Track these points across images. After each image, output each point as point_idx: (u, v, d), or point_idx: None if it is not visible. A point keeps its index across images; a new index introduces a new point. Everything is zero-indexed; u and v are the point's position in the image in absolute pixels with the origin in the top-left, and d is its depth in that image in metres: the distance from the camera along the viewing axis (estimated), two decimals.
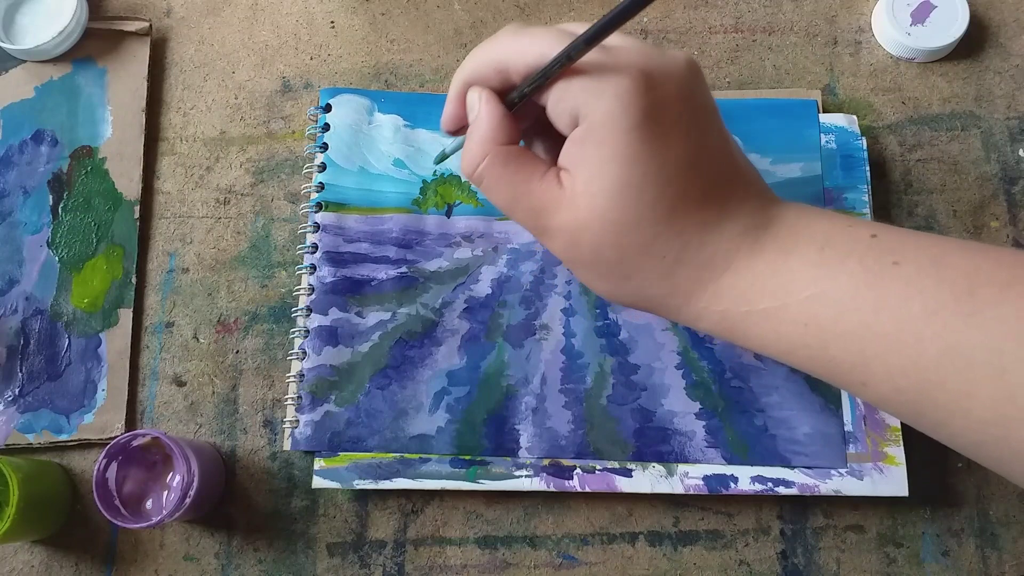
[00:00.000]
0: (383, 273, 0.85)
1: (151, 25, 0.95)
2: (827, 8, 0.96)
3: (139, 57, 0.94)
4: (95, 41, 0.95)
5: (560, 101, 0.58)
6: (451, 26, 0.96)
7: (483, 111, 0.62)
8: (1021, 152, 0.90)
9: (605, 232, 0.59)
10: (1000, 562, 0.81)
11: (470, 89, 0.63)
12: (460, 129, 0.67)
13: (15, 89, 0.94)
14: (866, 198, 0.86)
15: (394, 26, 0.96)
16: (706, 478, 0.79)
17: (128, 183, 0.91)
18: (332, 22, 0.97)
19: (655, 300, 0.63)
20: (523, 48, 0.60)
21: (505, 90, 0.62)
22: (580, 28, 0.56)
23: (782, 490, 0.79)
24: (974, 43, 0.94)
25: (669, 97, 0.58)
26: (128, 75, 0.94)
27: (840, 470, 0.79)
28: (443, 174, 0.88)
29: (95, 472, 0.74)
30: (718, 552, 0.82)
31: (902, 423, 0.80)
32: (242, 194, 0.91)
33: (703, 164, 0.60)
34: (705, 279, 0.61)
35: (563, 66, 0.56)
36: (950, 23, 0.91)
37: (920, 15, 0.92)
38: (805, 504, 0.82)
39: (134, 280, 0.88)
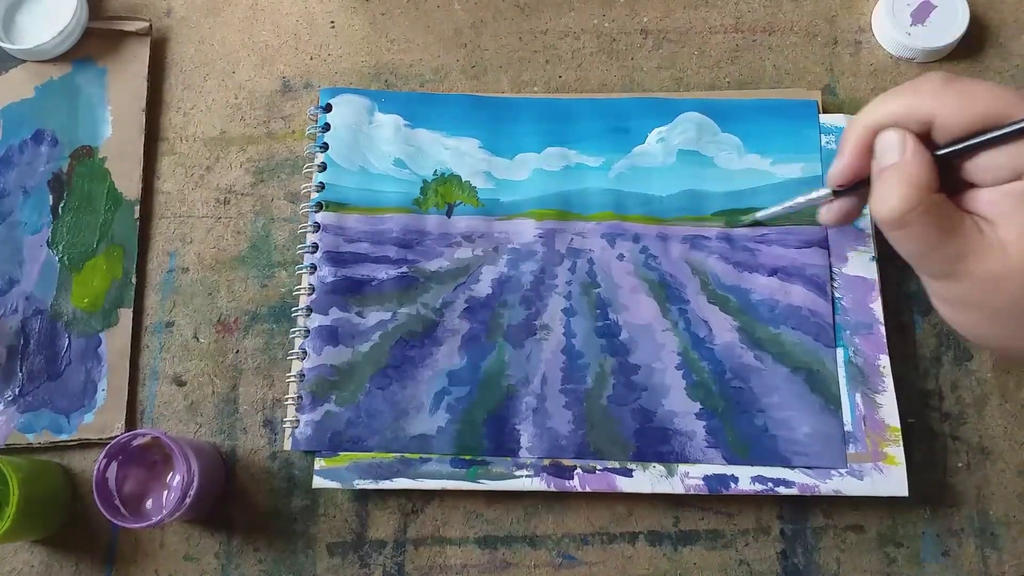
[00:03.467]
0: (383, 273, 0.85)
1: (151, 25, 0.95)
2: (827, 8, 0.96)
3: (139, 57, 0.94)
4: (95, 41, 0.95)
5: (998, 156, 0.60)
6: (451, 26, 0.96)
7: (917, 152, 0.62)
8: None
9: None
10: (1000, 562, 0.81)
11: (891, 129, 0.63)
12: (847, 184, 0.69)
13: (15, 89, 0.94)
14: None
15: (394, 26, 0.96)
16: (706, 478, 0.79)
17: (128, 183, 0.91)
18: (332, 22, 0.97)
19: None
20: (960, 106, 0.61)
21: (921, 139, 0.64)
22: (1003, 87, 0.60)
23: (782, 490, 0.79)
24: (974, 43, 0.94)
25: None
26: (128, 75, 0.94)
27: (840, 470, 0.79)
28: (443, 174, 0.88)
29: (95, 472, 0.74)
30: (718, 552, 0.82)
31: (902, 423, 0.80)
32: (242, 194, 0.91)
33: None
34: None
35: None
36: (950, 23, 0.91)
37: (920, 15, 0.92)
38: (805, 504, 0.82)
39: (134, 280, 0.88)
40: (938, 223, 0.61)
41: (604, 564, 0.82)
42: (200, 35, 0.97)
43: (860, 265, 0.84)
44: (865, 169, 0.66)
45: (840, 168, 0.68)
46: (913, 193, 0.60)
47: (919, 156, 0.61)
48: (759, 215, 0.84)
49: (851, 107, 0.91)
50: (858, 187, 0.69)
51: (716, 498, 0.82)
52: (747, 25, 0.96)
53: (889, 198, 0.61)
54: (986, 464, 0.83)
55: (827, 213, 0.74)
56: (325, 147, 0.88)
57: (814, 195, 0.75)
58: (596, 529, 0.82)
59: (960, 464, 0.83)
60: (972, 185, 0.63)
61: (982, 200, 0.62)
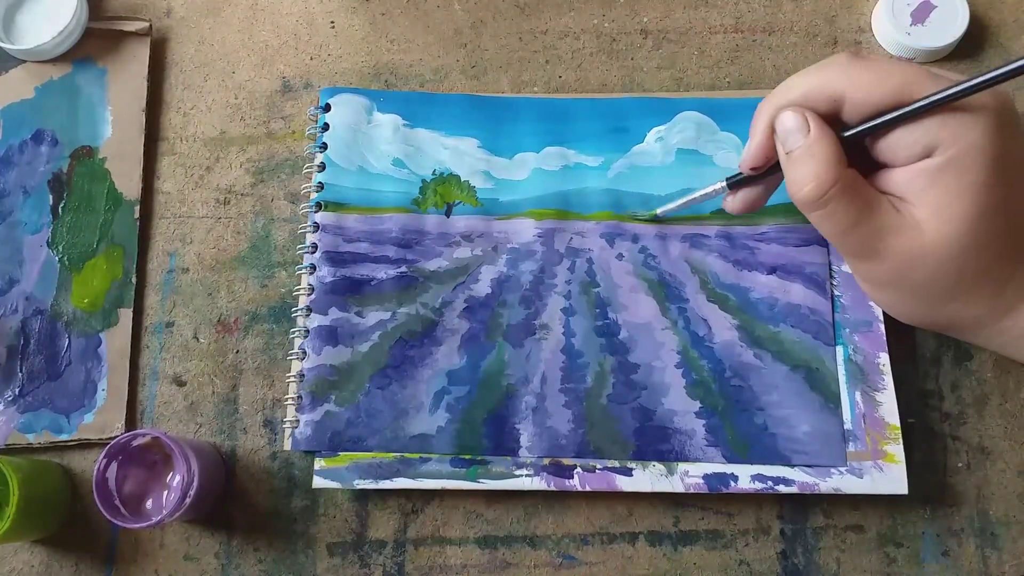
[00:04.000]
0: (383, 273, 0.85)
1: (151, 25, 0.95)
2: (827, 8, 0.96)
3: (139, 57, 0.94)
4: (95, 41, 0.95)
5: (909, 134, 0.61)
6: (451, 26, 0.96)
7: (822, 131, 0.63)
8: None
9: (951, 256, 0.62)
10: (1000, 562, 0.81)
11: (787, 111, 0.64)
12: (761, 167, 0.69)
13: (15, 89, 0.94)
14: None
15: (394, 26, 0.96)
16: (706, 477, 0.79)
17: (128, 183, 0.91)
18: (332, 22, 0.97)
19: (966, 320, 0.68)
20: (868, 83, 0.62)
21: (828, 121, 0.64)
22: (909, 63, 0.63)
23: (782, 488, 0.79)
24: (974, 43, 0.94)
25: (1015, 134, 0.62)
26: (128, 75, 0.94)
27: (840, 468, 0.79)
28: (442, 173, 0.88)
29: (95, 472, 0.74)
30: (718, 552, 0.81)
31: (902, 421, 0.80)
32: (242, 194, 0.91)
33: None
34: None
35: (934, 107, 0.60)
36: (950, 23, 0.91)
37: (920, 15, 0.92)
38: (805, 504, 0.82)
39: (134, 280, 0.88)
40: (857, 200, 0.62)
41: (604, 564, 0.82)
42: (200, 35, 0.97)
43: None
44: (774, 151, 0.67)
45: (751, 152, 0.68)
46: (827, 171, 0.62)
47: (825, 134, 0.62)
48: (659, 211, 0.84)
49: None
50: (758, 177, 0.70)
51: (716, 498, 0.82)
52: (747, 25, 0.96)
53: (805, 179, 0.62)
54: (986, 464, 0.83)
55: (732, 202, 0.75)
56: (324, 147, 0.89)
57: (710, 189, 0.76)
58: (596, 529, 0.82)
59: (960, 464, 0.83)
60: (884, 166, 0.64)
61: (895, 180, 0.63)
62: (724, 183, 0.74)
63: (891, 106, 0.61)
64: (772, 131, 0.66)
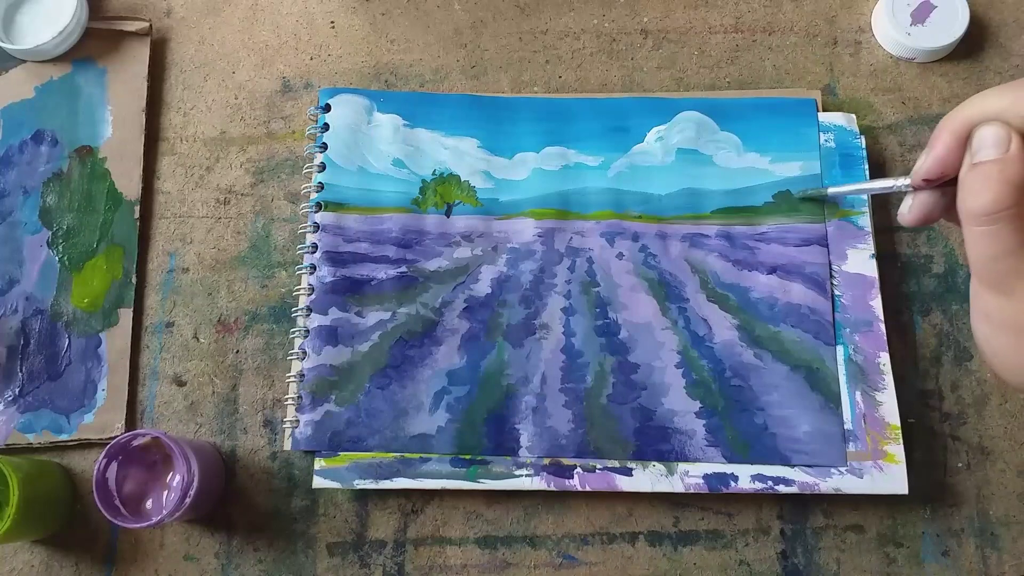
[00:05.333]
0: (383, 273, 0.85)
1: (151, 25, 0.95)
2: (827, 8, 0.96)
3: (139, 57, 0.94)
4: (95, 41, 0.95)
5: None
6: (451, 26, 0.96)
7: (1020, 152, 0.59)
8: None
9: None
10: (1000, 562, 0.81)
11: (992, 124, 0.60)
12: (935, 179, 0.65)
13: (15, 89, 0.94)
14: (865, 197, 0.86)
15: (394, 26, 0.96)
16: (706, 477, 0.79)
17: (128, 183, 0.91)
18: (332, 22, 0.97)
19: None
20: None
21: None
22: None
23: (782, 488, 0.79)
24: (974, 43, 0.94)
25: None
26: (128, 75, 0.94)
27: (840, 468, 0.79)
28: (442, 173, 0.88)
29: (95, 472, 0.74)
30: (718, 552, 0.81)
31: (902, 421, 0.80)
32: (242, 194, 0.91)
33: None
34: None
35: None
36: (950, 23, 0.91)
37: (920, 15, 0.92)
38: (805, 504, 0.82)
39: (134, 280, 0.88)
40: (1021, 229, 0.59)
41: (604, 564, 0.82)
42: (200, 35, 0.97)
43: (860, 263, 0.84)
44: (956, 166, 0.63)
45: (929, 161, 0.64)
46: (1009, 191, 0.58)
47: (1022, 155, 0.59)
48: (830, 190, 0.83)
49: (851, 107, 0.91)
50: (937, 186, 0.68)
51: (716, 498, 0.82)
52: (747, 25, 0.96)
53: (984, 191, 0.59)
54: (986, 464, 0.83)
55: (908, 213, 0.71)
56: (324, 147, 0.89)
57: (892, 183, 0.73)
58: (596, 529, 0.82)
59: (960, 464, 0.83)
60: None
61: None
62: (908, 181, 0.71)
63: None
64: (955, 144, 0.63)
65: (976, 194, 0.59)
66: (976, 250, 0.61)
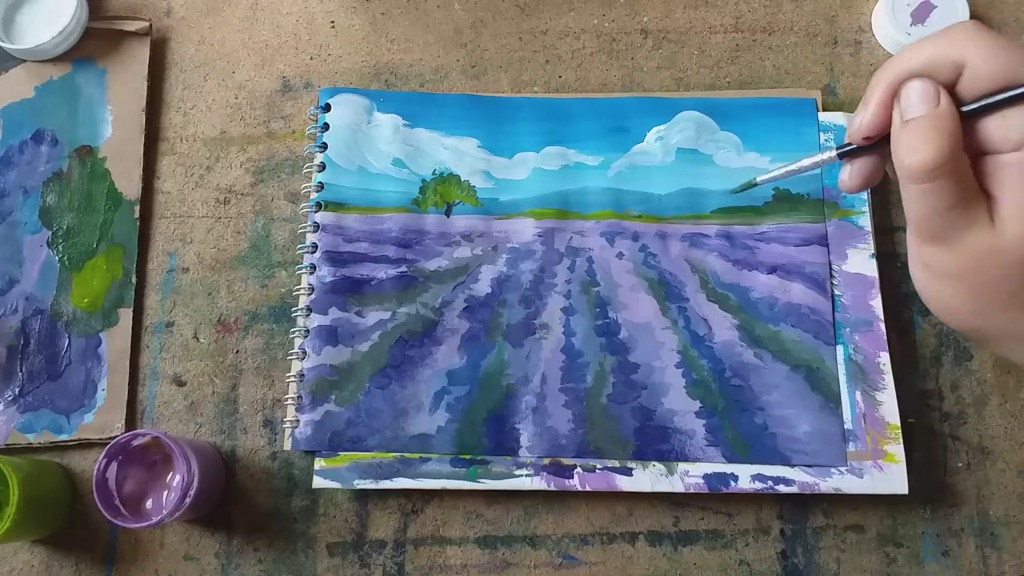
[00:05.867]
0: (383, 272, 0.85)
1: (151, 25, 0.95)
2: (827, 8, 0.96)
3: (139, 57, 0.94)
4: (95, 41, 0.95)
5: (1016, 116, 0.59)
6: (451, 26, 0.96)
7: (949, 106, 0.60)
8: None
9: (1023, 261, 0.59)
10: (1000, 562, 0.81)
11: (917, 80, 0.61)
12: (875, 136, 0.65)
13: (15, 89, 0.94)
14: (865, 196, 0.86)
15: (394, 26, 0.96)
16: (706, 476, 0.79)
17: (128, 183, 0.91)
18: (332, 22, 0.97)
19: (1017, 333, 0.64)
20: (995, 52, 0.59)
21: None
22: None
23: (782, 488, 0.79)
24: None
25: None
26: (128, 75, 0.94)
27: (840, 468, 0.79)
28: (442, 173, 0.88)
29: (95, 472, 0.74)
30: (718, 552, 0.81)
31: (902, 421, 0.80)
32: (242, 194, 0.91)
33: None
34: None
35: None
36: (950, 23, 0.91)
37: (920, 15, 0.92)
38: (805, 504, 0.82)
39: (134, 280, 0.88)
40: (960, 183, 0.59)
41: (604, 564, 0.82)
42: (200, 35, 0.97)
43: (860, 262, 0.84)
44: (891, 122, 0.64)
45: (866, 119, 0.64)
46: (947, 145, 0.58)
47: (952, 108, 0.59)
48: (758, 179, 0.83)
49: (851, 107, 0.91)
50: (869, 148, 0.68)
51: (716, 498, 0.82)
52: (747, 25, 0.96)
53: (922, 148, 0.59)
54: (986, 464, 0.83)
55: (848, 178, 0.71)
56: (324, 147, 0.89)
57: (819, 158, 0.73)
58: (596, 529, 0.82)
59: (960, 464, 0.83)
60: (981, 153, 0.61)
61: (988, 171, 0.60)
62: (835, 152, 0.71)
63: (1011, 82, 0.58)
64: (889, 100, 0.63)
65: (913, 152, 0.60)
66: (916, 207, 0.61)
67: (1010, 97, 0.58)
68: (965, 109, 0.60)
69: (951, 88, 0.60)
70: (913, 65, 0.61)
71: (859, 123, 0.65)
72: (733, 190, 0.82)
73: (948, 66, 0.60)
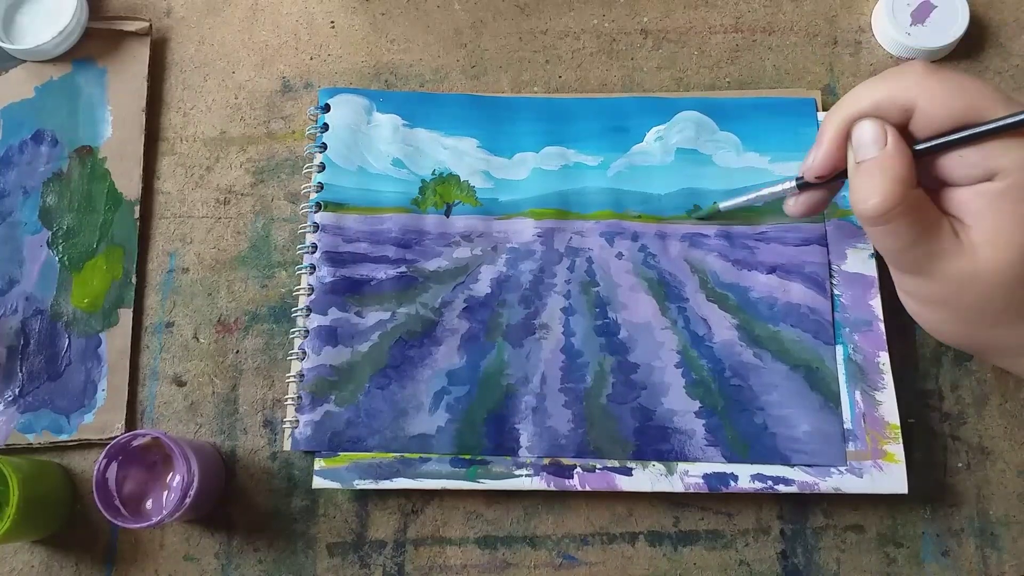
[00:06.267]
0: (382, 273, 0.85)
1: (151, 25, 0.95)
2: (827, 8, 0.96)
3: (139, 57, 0.94)
4: (95, 41, 0.95)
5: (971, 155, 0.60)
6: (451, 26, 0.96)
7: (899, 147, 0.61)
8: None
9: (1002, 283, 0.61)
10: (1000, 562, 0.81)
11: (867, 121, 0.63)
12: (827, 176, 0.68)
13: (15, 89, 0.94)
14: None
15: (394, 26, 0.96)
16: (706, 476, 0.79)
17: (128, 183, 0.91)
18: (332, 22, 0.97)
19: (1007, 347, 0.66)
20: (944, 96, 0.60)
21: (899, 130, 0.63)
22: (981, 80, 0.61)
23: (782, 488, 0.79)
24: (974, 43, 0.94)
25: None
26: (128, 75, 0.94)
27: (840, 468, 0.79)
28: (442, 173, 0.88)
29: (95, 472, 0.74)
30: (718, 552, 0.81)
31: (902, 421, 0.80)
32: (242, 194, 0.91)
33: None
34: None
35: (1008, 129, 0.59)
36: (950, 23, 0.91)
37: (920, 15, 0.92)
38: (805, 504, 0.82)
39: (134, 280, 0.88)
40: (918, 221, 0.61)
41: (604, 564, 0.82)
42: (200, 35, 0.97)
43: (859, 262, 0.84)
44: (843, 160, 0.66)
45: (819, 160, 0.67)
46: (896, 188, 0.60)
47: (900, 150, 0.61)
48: (722, 206, 0.84)
49: None
50: (828, 181, 0.69)
51: (716, 498, 0.82)
52: (747, 25, 0.96)
53: (872, 194, 0.61)
54: (986, 464, 0.83)
55: (794, 205, 0.74)
56: (324, 147, 0.89)
57: (778, 188, 0.75)
58: (596, 529, 0.82)
59: (960, 464, 0.83)
60: (945, 184, 0.63)
61: (955, 199, 0.62)
62: (794, 183, 0.73)
63: (961, 122, 0.60)
64: (842, 140, 0.64)
65: (864, 198, 0.62)
66: (881, 246, 0.64)
67: (959, 139, 0.60)
68: (917, 148, 0.61)
69: (903, 127, 0.62)
70: (863, 107, 0.63)
71: (811, 163, 0.67)
72: (697, 216, 0.84)
73: (896, 109, 0.62)
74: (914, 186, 0.61)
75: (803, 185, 0.72)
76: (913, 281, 0.64)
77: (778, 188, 0.75)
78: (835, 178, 0.68)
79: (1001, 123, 0.58)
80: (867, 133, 0.62)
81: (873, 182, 0.61)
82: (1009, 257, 0.60)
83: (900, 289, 0.68)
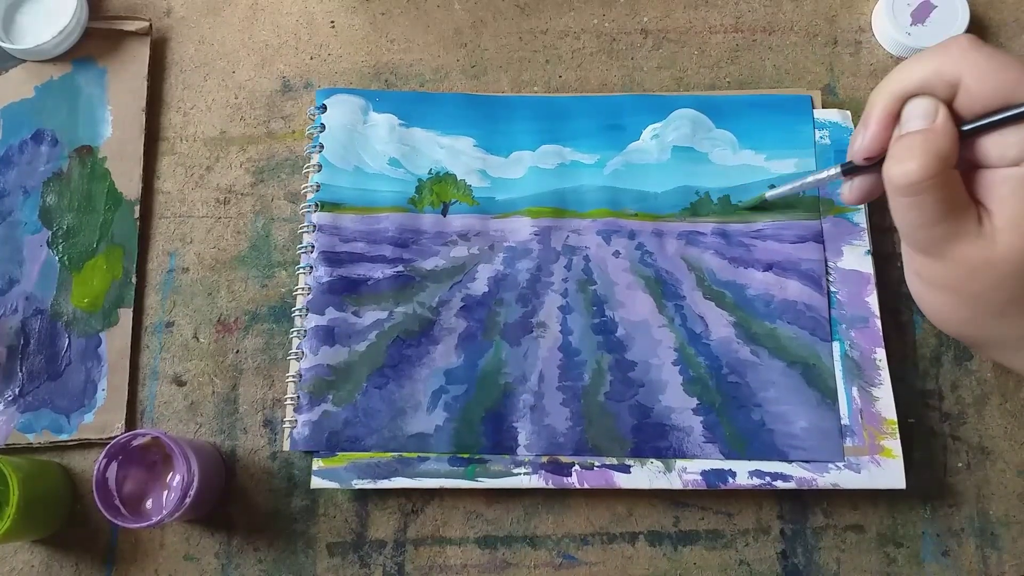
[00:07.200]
0: (379, 272, 0.85)
1: (151, 25, 0.95)
2: (827, 8, 0.96)
3: (139, 57, 0.94)
4: (95, 41, 0.95)
5: (1012, 134, 0.59)
6: (451, 26, 0.96)
7: (945, 124, 0.60)
8: None
9: (1015, 273, 0.60)
10: (1000, 562, 0.81)
11: (921, 97, 0.62)
12: (875, 156, 0.66)
13: (15, 89, 0.94)
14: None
15: (394, 26, 0.97)
16: (704, 473, 0.79)
17: (128, 183, 0.91)
18: (332, 22, 0.97)
19: (1008, 339, 0.65)
20: (989, 70, 0.59)
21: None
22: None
23: (780, 484, 0.79)
24: None
25: None
26: (128, 75, 0.94)
27: (837, 464, 0.79)
28: (438, 172, 0.89)
29: (95, 472, 0.74)
30: (718, 552, 0.81)
31: (902, 421, 0.80)
32: (242, 194, 0.91)
33: None
34: None
35: None
36: (950, 23, 0.91)
37: (920, 15, 0.92)
38: (805, 504, 0.82)
39: (134, 280, 0.89)
40: (947, 199, 0.60)
41: (604, 564, 0.82)
42: (200, 35, 0.97)
43: (855, 259, 0.85)
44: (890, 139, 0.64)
45: (867, 140, 0.65)
46: (934, 162, 0.59)
47: (948, 128, 0.60)
48: (768, 195, 0.84)
49: (851, 107, 0.91)
50: (871, 167, 0.67)
51: (716, 498, 0.82)
52: (747, 25, 0.96)
53: (908, 161, 0.59)
54: (986, 464, 0.83)
55: (849, 192, 0.72)
56: (321, 147, 0.89)
57: (824, 175, 0.74)
58: (596, 529, 0.82)
59: (960, 464, 0.83)
60: (977, 166, 0.62)
61: (983, 184, 0.61)
62: (839, 169, 0.72)
63: (1006, 99, 0.59)
64: (890, 119, 0.63)
65: (899, 164, 0.60)
66: (903, 219, 0.62)
67: (1004, 119, 0.59)
68: (964, 129, 0.60)
69: (948, 104, 0.61)
70: (908, 85, 0.62)
71: (859, 144, 0.66)
72: (743, 205, 0.83)
73: (942, 85, 0.60)
74: (952, 165, 0.60)
75: (850, 170, 0.71)
76: (926, 261, 0.63)
77: (823, 175, 0.75)
78: (882, 161, 0.67)
79: None
80: (919, 107, 0.61)
81: (913, 152, 0.59)
82: None
83: (909, 269, 0.67)
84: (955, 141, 0.60)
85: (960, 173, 0.62)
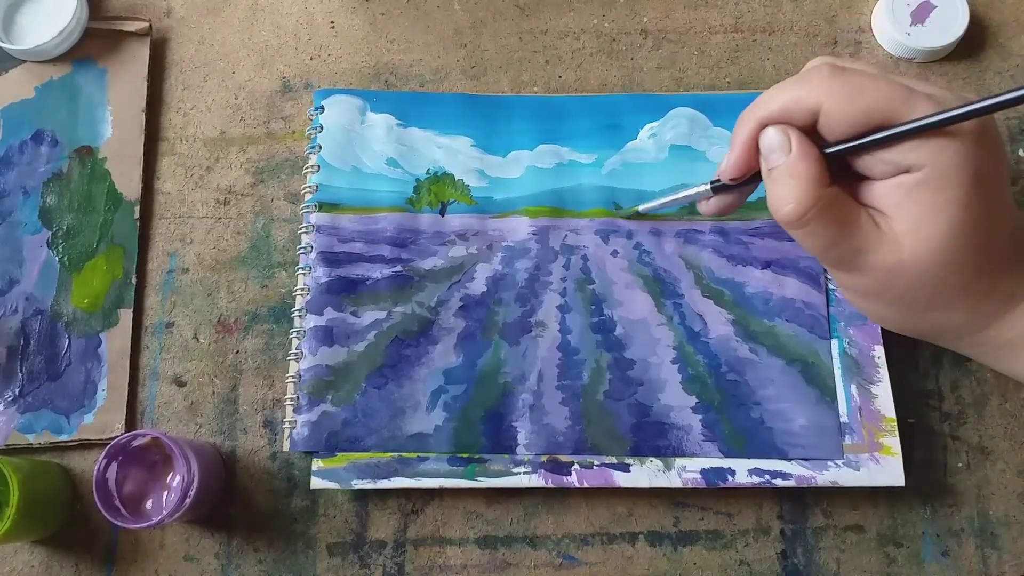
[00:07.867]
0: (378, 272, 0.85)
1: (151, 25, 0.95)
2: (827, 8, 0.96)
3: (139, 57, 0.94)
4: (95, 41, 0.95)
5: (886, 152, 0.60)
6: (451, 26, 0.97)
7: (804, 151, 0.62)
8: (1020, 152, 0.90)
9: (929, 272, 0.62)
10: (1000, 562, 0.81)
11: (771, 128, 0.63)
12: (741, 177, 0.68)
13: (15, 89, 0.94)
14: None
15: (394, 26, 0.97)
16: (704, 471, 0.79)
17: (128, 183, 0.91)
18: (332, 22, 0.97)
19: (947, 330, 0.68)
20: (847, 97, 0.60)
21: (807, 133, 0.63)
22: (887, 78, 0.61)
23: (779, 482, 0.79)
24: (974, 43, 0.93)
25: (993, 151, 0.61)
26: (128, 75, 0.94)
27: (837, 461, 0.79)
28: (436, 172, 0.89)
29: (95, 472, 0.74)
30: (718, 552, 0.81)
31: (902, 421, 0.80)
32: (242, 194, 0.91)
33: (1011, 207, 0.65)
34: (1004, 310, 0.66)
35: (921, 131, 0.59)
36: (950, 23, 0.91)
37: (920, 15, 0.91)
38: (805, 504, 0.82)
39: (134, 280, 0.89)
40: (836, 219, 0.62)
41: (604, 564, 0.82)
42: (200, 35, 0.97)
43: None
44: (755, 163, 0.66)
45: (731, 164, 0.67)
46: (808, 191, 0.61)
47: (806, 153, 0.61)
48: (641, 207, 0.85)
49: None
50: (742, 183, 0.69)
51: (716, 498, 0.82)
52: (747, 25, 0.96)
53: (785, 200, 0.62)
54: (986, 464, 0.83)
55: (706, 206, 0.74)
56: (320, 148, 0.89)
57: (693, 191, 0.74)
58: (596, 529, 0.82)
59: (960, 464, 0.83)
60: (864, 176, 0.63)
61: (874, 192, 0.63)
62: (708, 186, 0.73)
63: (866, 122, 0.60)
64: (753, 143, 0.65)
65: (778, 203, 0.63)
66: (805, 247, 0.66)
67: (865, 143, 0.61)
68: (827, 151, 0.62)
69: (812, 128, 0.62)
70: (771, 111, 0.64)
71: (725, 166, 0.68)
72: (620, 215, 0.85)
73: (803, 112, 0.62)
74: (826, 186, 0.61)
75: (719, 188, 0.72)
76: (845, 276, 0.66)
77: (693, 191, 0.75)
78: (749, 180, 0.68)
79: (898, 130, 0.59)
80: (772, 140, 0.63)
81: (785, 188, 0.61)
82: (932, 247, 0.61)
83: (838, 285, 0.70)
84: (818, 164, 0.61)
85: (849, 184, 0.64)
